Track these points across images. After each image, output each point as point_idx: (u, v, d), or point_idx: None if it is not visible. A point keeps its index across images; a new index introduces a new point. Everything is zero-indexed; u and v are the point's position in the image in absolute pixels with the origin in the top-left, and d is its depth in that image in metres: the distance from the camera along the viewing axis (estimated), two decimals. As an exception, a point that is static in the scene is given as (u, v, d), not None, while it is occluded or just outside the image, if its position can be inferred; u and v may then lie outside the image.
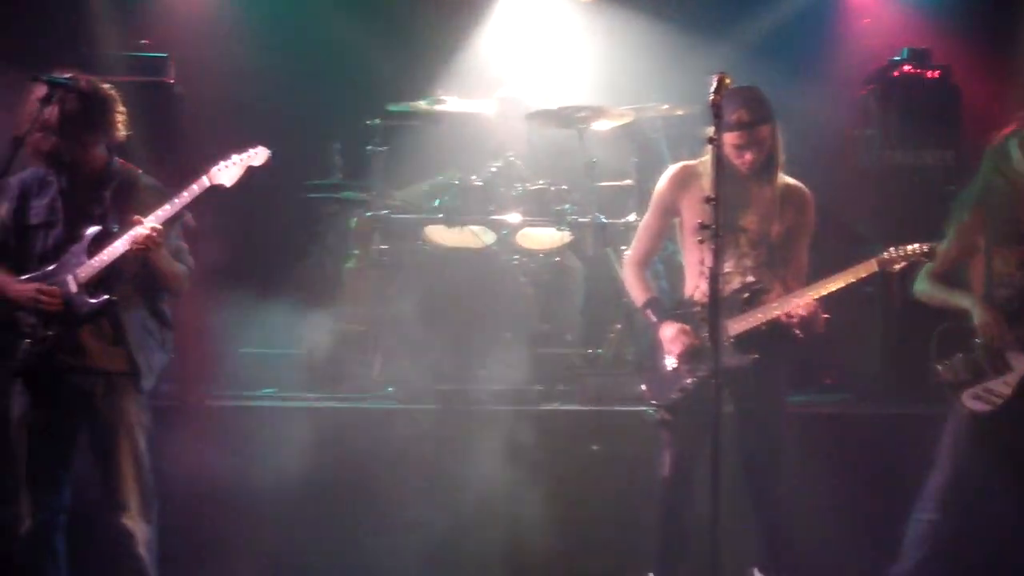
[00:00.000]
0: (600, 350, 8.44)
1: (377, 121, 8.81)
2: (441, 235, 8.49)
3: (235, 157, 6.06)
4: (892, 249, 6.07)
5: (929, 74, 9.09)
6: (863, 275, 6.09)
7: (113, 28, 8.89)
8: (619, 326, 8.35)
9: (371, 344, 8.26)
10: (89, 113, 6.04)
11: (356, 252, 8.93)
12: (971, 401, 6.45)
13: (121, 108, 6.18)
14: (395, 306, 8.30)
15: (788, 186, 6.35)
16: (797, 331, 6.15)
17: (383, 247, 8.65)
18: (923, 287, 6.66)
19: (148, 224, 5.95)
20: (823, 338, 6.27)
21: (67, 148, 6.03)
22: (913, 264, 6.17)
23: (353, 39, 9.75)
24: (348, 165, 9.37)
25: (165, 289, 6.26)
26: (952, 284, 6.60)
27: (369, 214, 8.72)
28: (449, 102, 8.93)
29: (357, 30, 9.77)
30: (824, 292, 6.10)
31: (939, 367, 6.53)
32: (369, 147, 8.82)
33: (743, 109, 6.11)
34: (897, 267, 6.10)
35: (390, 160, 8.93)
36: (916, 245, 6.05)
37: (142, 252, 5.97)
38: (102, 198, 6.14)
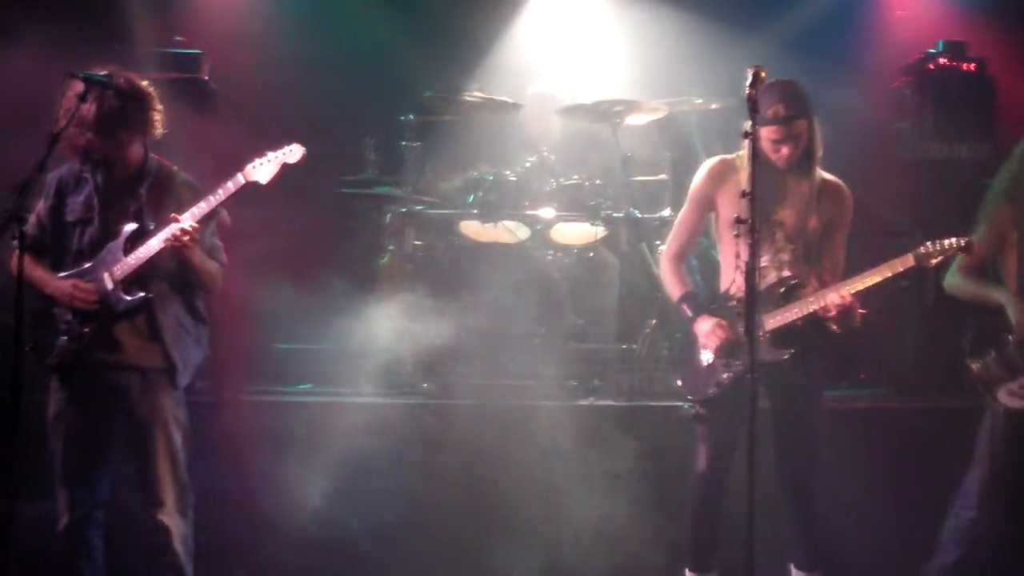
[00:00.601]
0: (635, 345, 8.42)
1: (411, 116, 8.81)
2: (475, 231, 8.49)
3: (270, 154, 6.05)
4: (929, 243, 5.99)
5: (965, 66, 9.05)
6: (900, 269, 6.03)
7: (147, 25, 8.90)
8: (654, 321, 8.33)
9: (406, 339, 8.24)
10: (126, 111, 6.04)
11: (390, 248, 8.91)
12: (1007, 398, 6.39)
13: (158, 106, 6.17)
14: (429, 301, 8.30)
15: (825, 181, 6.31)
16: (833, 326, 6.12)
17: (417, 243, 8.66)
18: (954, 280, 6.57)
19: (184, 221, 5.96)
20: (859, 333, 6.24)
21: (103, 145, 6.04)
22: (950, 258, 6.10)
23: (387, 34, 9.75)
24: (382, 160, 9.38)
25: (200, 286, 6.27)
26: (985, 277, 6.53)
27: (403, 210, 8.71)
28: (483, 97, 8.92)
29: (391, 25, 9.77)
30: (860, 287, 6.06)
31: (973, 366, 6.48)
32: (403, 142, 8.81)
33: (780, 104, 6.09)
34: (934, 261, 6.02)
35: (424, 155, 8.93)
36: (953, 239, 5.97)
37: (178, 249, 5.99)
38: (138, 195, 6.16)
